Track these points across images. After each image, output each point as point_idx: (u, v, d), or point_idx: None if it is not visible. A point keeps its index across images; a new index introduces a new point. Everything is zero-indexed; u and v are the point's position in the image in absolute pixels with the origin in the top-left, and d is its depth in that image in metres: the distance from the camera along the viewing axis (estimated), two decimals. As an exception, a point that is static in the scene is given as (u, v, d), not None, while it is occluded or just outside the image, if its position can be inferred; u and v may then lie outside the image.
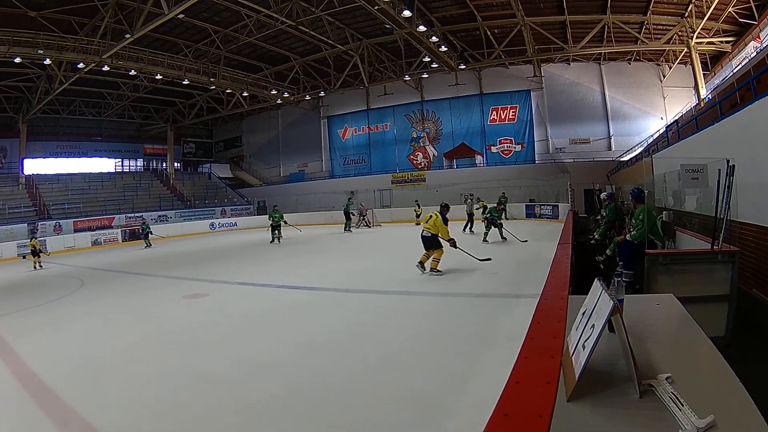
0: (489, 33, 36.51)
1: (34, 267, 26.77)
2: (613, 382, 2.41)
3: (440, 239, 14.32)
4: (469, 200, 29.12)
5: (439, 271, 14.04)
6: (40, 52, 30.65)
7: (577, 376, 2.34)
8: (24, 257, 31.57)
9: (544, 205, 33.40)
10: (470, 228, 26.47)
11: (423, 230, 14.52)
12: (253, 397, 6.60)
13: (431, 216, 14.57)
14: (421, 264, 14.44)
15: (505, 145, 44.11)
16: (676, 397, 2.15)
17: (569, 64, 41.28)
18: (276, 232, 29.56)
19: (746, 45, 31.26)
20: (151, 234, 34.04)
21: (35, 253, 27.85)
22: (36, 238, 30.06)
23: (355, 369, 7.35)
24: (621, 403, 2.23)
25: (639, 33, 35.48)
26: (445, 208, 14.82)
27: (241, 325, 10.64)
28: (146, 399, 6.97)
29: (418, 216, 35.02)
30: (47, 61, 32.47)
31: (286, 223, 30.36)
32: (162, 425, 6.13)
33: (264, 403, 6.45)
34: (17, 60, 31.28)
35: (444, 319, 9.65)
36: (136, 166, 59.21)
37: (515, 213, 33.79)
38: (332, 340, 8.85)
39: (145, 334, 10.68)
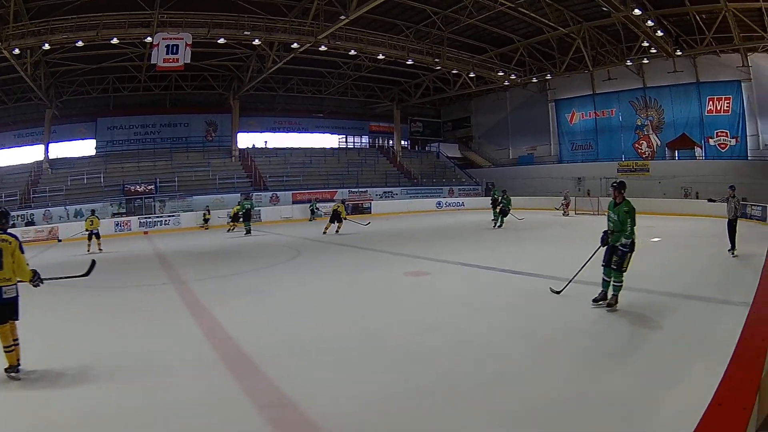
0: (698, 18, 34.03)
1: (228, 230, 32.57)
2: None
3: None
4: None
5: None
6: (247, 33, 32.23)
7: (773, 405, 2.31)
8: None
9: (755, 205, 30.96)
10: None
11: None
12: (464, 383, 6.32)
13: None
14: None
15: (722, 138, 40.83)
16: None
17: (770, 54, 37.89)
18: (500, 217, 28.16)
19: None
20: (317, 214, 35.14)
21: (236, 218, 32.74)
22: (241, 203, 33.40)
23: (562, 368, 6.91)
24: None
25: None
26: None
27: (458, 307, 10.52)
28: (345, 372, 6.92)
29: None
30: (256, 42, 33.95)
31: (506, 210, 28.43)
32: (356, 401, 5.94)
33: (473, 390, 6.18)
34: (221, 41, 33.09)
35: (652, 319, 9.13)
36: (361, 142, 61.21)
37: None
38: (543, 334, 8.47)
39: (356, 308, 10.84)
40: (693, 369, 6.47)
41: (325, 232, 27.33)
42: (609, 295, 9.75)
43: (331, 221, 27.77)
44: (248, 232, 29.54)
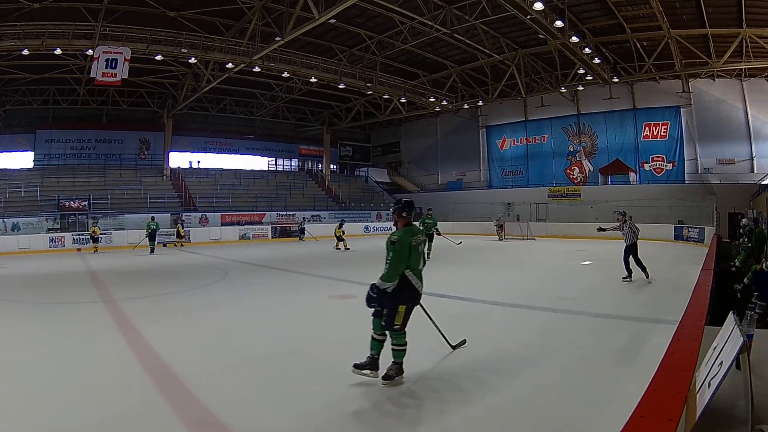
0: (638, 45, 34.99)
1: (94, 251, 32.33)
2: (730, 423, 2.54)
3: None
4: None
5: None
6: (184, 51, 31.99)
7: (697, 416, 2.44)
8: (165, 245, 34.49)
9: (691, 227, 32.65)
10: None
11: None
12: (392, 407, 6.33)
13: None
14: None
15: (658, 163, 42.28)
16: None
17: (714, 80, 39.31)
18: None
19: None
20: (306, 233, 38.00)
21: (95, 239, 33.00)
22: (96, 225, 34.65)
23: (493, 389, 6.93)
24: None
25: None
26: None
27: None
28: (273, 392, 6.85)
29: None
30: (192, 60, 33.90)
31: (438, 232, 25.67)
32: (284, 421, 5.85)
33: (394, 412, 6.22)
34: (159, 57, 32.82)
35: (582, 339, 9.28)
36: (291, 165, 61.56)
37: (665, 234, 33.05)
38: (471, 356, 8.44)
39: (283, 330, 10.74)
40: (622, 386, 6.51)
41: (337, 248, 30.61)
42: (390, 362, 6.93)
43: (338, 240, 31.07)
44: (152, 251, 29.96)
